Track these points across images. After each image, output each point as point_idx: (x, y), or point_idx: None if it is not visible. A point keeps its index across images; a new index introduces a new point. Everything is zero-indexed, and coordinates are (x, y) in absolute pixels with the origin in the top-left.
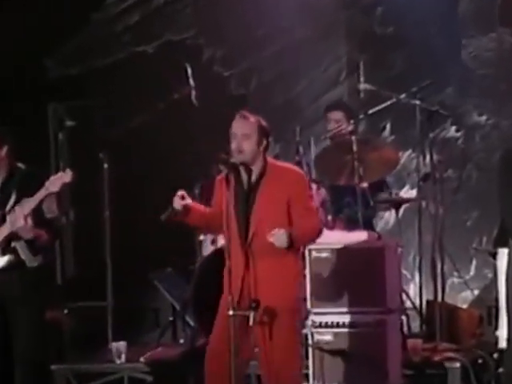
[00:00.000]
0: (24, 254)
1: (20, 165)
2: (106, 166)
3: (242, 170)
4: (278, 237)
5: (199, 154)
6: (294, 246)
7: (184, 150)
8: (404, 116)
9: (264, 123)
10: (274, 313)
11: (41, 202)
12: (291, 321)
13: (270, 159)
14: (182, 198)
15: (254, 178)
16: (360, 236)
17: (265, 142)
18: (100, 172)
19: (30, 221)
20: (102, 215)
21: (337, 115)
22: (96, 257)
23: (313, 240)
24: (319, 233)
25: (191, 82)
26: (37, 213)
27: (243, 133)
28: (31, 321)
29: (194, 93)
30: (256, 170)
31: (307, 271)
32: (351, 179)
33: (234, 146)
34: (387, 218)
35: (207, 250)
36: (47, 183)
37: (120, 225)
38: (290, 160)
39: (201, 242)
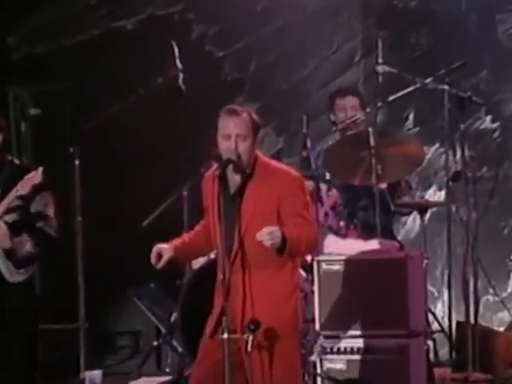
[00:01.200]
0: (3, 266)
1: (11, 158)
2: (77, 162)
3: (230, 169)
4: (270, 232)
5: (188, 147)
6: (287, 252)
7: (170, 143)
8: (430, 104)
9: (255, 116)
10: (269, 337)
11: (26, 206)
12: (288, 346)
13: (260, 156)
14: (159, 256)
15: (241, 179)
16: (378, 245)
17: (257, 138)
18: (70, 169)
19: (2, 226)
20: (73, 221)
21: (350, 102)
22: (66, 270)
23: (308, 251)
24: (315, 245)
25: (178, 63)
26: (21, 218)
27: (239, 133)
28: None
29: (181, 76)
30: (246, 170)
31: (315, 287)
32: (367, 179)
33: (226, 148)
34: (410, 225)
35: (198, 261)
36: (19, 184)
37: (94, 232)
38: (295, 156)
39: None
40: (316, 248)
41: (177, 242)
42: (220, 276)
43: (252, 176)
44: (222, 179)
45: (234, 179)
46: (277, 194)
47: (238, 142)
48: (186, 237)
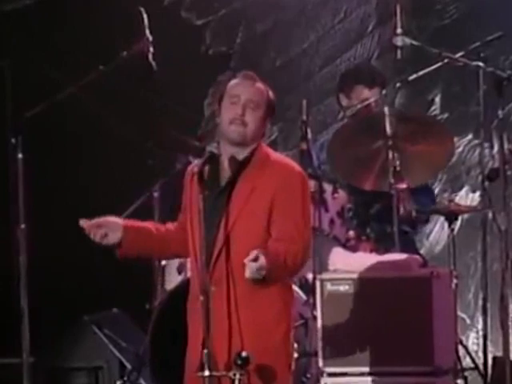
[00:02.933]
0: None
1: None
2: (20, 156)
3: (224, 159)
4: (259, 268)
5: (160, 138)
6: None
7: (138, 133)
8: (461, 85)
9: (272, 95)
10: (260, 374)
11: None
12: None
13: (263, 145)
14: (96, 228)
15: (232, 167)
16: (396, 261)
17: (268, 123)
18: (12, 165)
19: None
20: (15, 229)
21: (378, 93)
22: (6, 291)
23: (291, 274)
24: (299, 269)
25: (148, 34)
26: None
27: (251, 98)
28: None
29: (151, 50)
30: (241, 156)
31: (318, 312)
32: (383, 179)
33: (233, 113)
34: (436, 236)
35: (172, 280)
36: None
37: (41, 243)
38: (293, 149)
39: (163, 268)
40: (300, 269)
41: (134, 223)
42: (200, 297)
43: (246, 166)
44: (212, 170)
45: (226, 168)
46: (273, 189)
47: (246, 109)
48: (150, 224)
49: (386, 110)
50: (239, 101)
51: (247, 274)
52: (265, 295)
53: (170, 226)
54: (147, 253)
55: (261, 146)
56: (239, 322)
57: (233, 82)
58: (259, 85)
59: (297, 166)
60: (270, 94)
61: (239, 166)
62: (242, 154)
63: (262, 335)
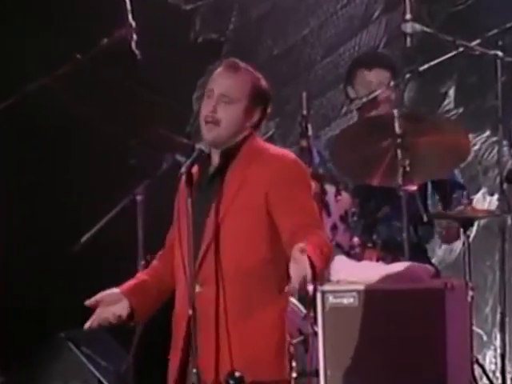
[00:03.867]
0: None
1: None
2: None
3: (214, 155)
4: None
5: (144, 134)
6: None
7: (119, 128)
8: (477, 76)
9: (263, 82)
10: None
11: None
12: None
13: (256, 136)
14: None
15: (219, 160)
16: (405, 270)
17: (258, 114)
18: None
19: None
20: None
21: (379, 76)
22: None
23: (328, 264)
24: (330, 253)
25: (131, 20)
26: None
27: (223, 93)
28: None
29: (134, 38)
30: (229, 145)
31: (319, 328)
32: (391, 178)
33: (205, 110)
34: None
35: None
36: None
37: (9, 251)
38: (292, 146)
39: None
40: (331, 258)
41: (129, 285)
42: (188, 311)
43: (235, 156)
44: (202, 164)
45: (215, 159)
46: (266, 181)
47: (218, 104)
48: (141, 276)
49: (395, 111)
50: (212, 95)
51: (295, 289)
52: (258, 299)
53: (156, 263)
54: (155, 304)
55: (253, 136)
56: (227, 329)
57: (214, 71)
58: (242, 74)
59: (291, 154)
60: (260, 81)
61: (227, 158)
62: (229, 144)
63: (253, 346)
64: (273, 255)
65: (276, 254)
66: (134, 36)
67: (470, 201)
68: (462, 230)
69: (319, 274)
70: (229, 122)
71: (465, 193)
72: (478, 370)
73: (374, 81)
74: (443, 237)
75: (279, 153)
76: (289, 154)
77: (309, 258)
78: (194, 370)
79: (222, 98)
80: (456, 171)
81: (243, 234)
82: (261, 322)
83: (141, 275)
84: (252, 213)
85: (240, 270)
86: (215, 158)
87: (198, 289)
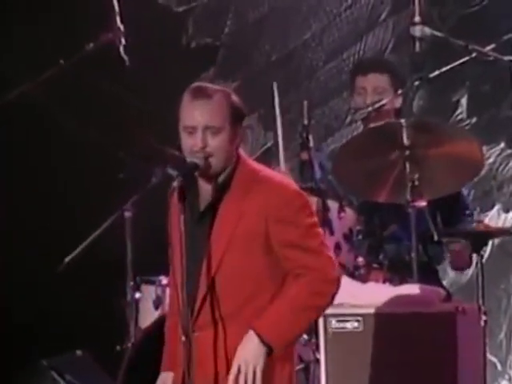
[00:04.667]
0: None
1: None
2: None
3: (201, 179)
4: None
5: (132, 145)
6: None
7: (107, 138)
8: (492, 83)
9: (235, 98)
10: None
11: None
12: None
13: (244, 158)
14: None
15: (213, 191)
16: (414, 293)
17: (240, 133)
18: None
19: None
20: None
21: (374, 81)
22: None
23: (326, 306)
24: (336, 289)
25: (119, 23)
26: None
27: (209, 124)
28: None
29: (123, 42)
30: (222, 177)
31: (321, 354)
32: (399, 193)
33: (190, 146)
34: None
35: (147, 317)
36: None
37: None
38: (291, 159)
39: (137, 302)
40: (336, 292)
41: (170, 357)
42: (182, 337)
43: (229, 187)
44: (190, 193)
45: (207, 191)
46: (264, 214)
47: (207, 138)
48: (171, 335)
49: (402, 121)
50: (196, 130)
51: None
52: None
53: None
54: None
55: (242, 159)
56: (228, 367)
57: (184, 104)
58: (216, 98)
59: (292, 184)
60: (231, 97)
61: (220, 190)
62: (223, 175)
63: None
64: (276, 289)
65: (279, 287)
66: (123, 40)
67: (481, 219)
68: (474, 250)
69: (279, 349)
70: (221, 152)
71: (470, 218)
72: None
73: (369, 87)
74: (452, 262)
75: (277, 183)
76: (288, 183)
77: (259, 336)
78: None
79: (207, 130)
80: (464, 189)
81: (244, 274)
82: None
83: (171, 334)
84: (253, 249)
85: (241, 309)
86: (204, 186)
87: (195, 333)
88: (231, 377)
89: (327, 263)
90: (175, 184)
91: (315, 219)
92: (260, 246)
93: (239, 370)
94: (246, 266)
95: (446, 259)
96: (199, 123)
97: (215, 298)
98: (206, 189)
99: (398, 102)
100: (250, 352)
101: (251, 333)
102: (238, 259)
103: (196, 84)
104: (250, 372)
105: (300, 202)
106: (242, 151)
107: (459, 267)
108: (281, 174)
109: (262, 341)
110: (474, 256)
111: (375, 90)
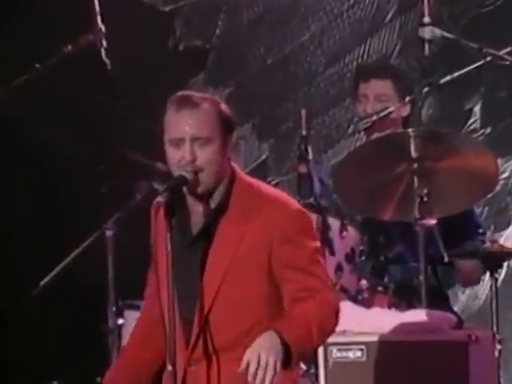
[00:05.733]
0: None
1: None
2: None
3: (190, 196)
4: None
5: (115, 157)
6: (295, 360)
7: (86, 151)
8: (508, 90)
9: (223, 106)
10: None
11: None
12: None
13: (239, 172)
14: None
15: (205, 212)
16: (422, 320)
17: (231, 144)
18: None
19: None
20: None
21: (375, 88)
22: None
23: (322, 341)
24: (333, 326)
25: (100, 24)
26: None
27: (196, 135)
28: None
29: (104, 44)
30: (217, 196)
31: None
32: (406, 210)
33: (178, 159)
34: (475, 288)
35: None
36: None
37: None
38: (289, 173)
39: (119, 328)
40: (333, 331)
41: (111, 373)
42: (168, 367)
43: (226, 208)
44: (178, 213)
45: (198, 213)
46: (268, 235)
47: (195, 150)
48: (123, 358)
49: (410, 131)
50: (183, 143)
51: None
52: None
53: (139, 328)
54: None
55: (237, 175)
56: None
57: (169, 114)
58: (204, 106)
59: (295, 203)
60: (220, 106)
61: (216, 213)
62: (217, 193)
63: None
64: (271, 318)
65: (275, 316)
66: (104, 42)
67: (495, 239)
68: (488, 272)
69: (296, 355)
70: (211, 166)
71: (483, 237)
72: None
73: (371, 94)
74: (460, 277)
75: (280, 201)
76: (291, 202)
77: (279, 334)
78: None
79: (195, 142)
80: (476, 206)
81: (244, 304)
82: None
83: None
84: (254, 277)
85: (237, 340)
86: (195, 207)
87: (191, 367)
88: (252, 365)
89: (331, 292)
90: (161, 199)
91: (318, 243)
92: (260, 270)
93: (259, 359)
94: (244, 295)
95: (457, 283)
96: (186, 134)
97: (211, 331)
98: (197, 210)
99: (406, 111)
100: (271, 346)
101: (271, 331)
102: (235, 288)
103: (180, 93)
104: (270, 364)
105: (306, 223)
106: (235, 165)
107: (467, 283)
108: (280, 191)
109: (282, 340)
110: (488, 273)
111: (377, 98)
